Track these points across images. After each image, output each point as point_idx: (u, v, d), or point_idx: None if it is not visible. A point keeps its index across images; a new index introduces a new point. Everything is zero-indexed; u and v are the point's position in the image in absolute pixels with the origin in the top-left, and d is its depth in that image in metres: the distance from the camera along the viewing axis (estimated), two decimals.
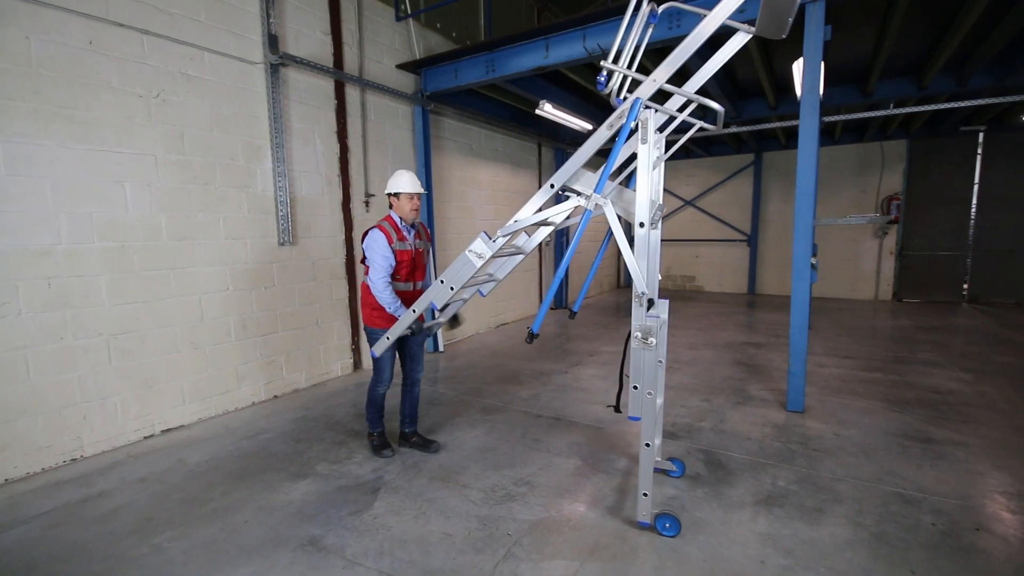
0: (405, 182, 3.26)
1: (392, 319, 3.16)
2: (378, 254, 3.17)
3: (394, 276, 3.28)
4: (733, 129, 8.22)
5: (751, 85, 7.14)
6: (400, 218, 3.31)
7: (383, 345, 3.08)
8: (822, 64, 3.96)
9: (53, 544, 2.56)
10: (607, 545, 2.50)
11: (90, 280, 3.51)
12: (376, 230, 3.22)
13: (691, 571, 2.30)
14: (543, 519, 2.73)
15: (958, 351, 6.11)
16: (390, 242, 3.20)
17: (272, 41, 4.42)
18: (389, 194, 3.32)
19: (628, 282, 13.17)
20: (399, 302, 3.15)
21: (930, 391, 4.67)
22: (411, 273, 3.37)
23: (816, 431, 3.83)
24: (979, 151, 9.24)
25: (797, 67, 4.88)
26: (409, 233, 3.33)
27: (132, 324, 3.73)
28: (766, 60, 6.11)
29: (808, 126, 3.94)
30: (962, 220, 9.54)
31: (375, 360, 3.36)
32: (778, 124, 7.70)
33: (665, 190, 11.52)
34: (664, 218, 12.24)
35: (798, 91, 4.40)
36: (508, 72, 5.31)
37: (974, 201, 9.41)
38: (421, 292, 3.37)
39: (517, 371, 5.56)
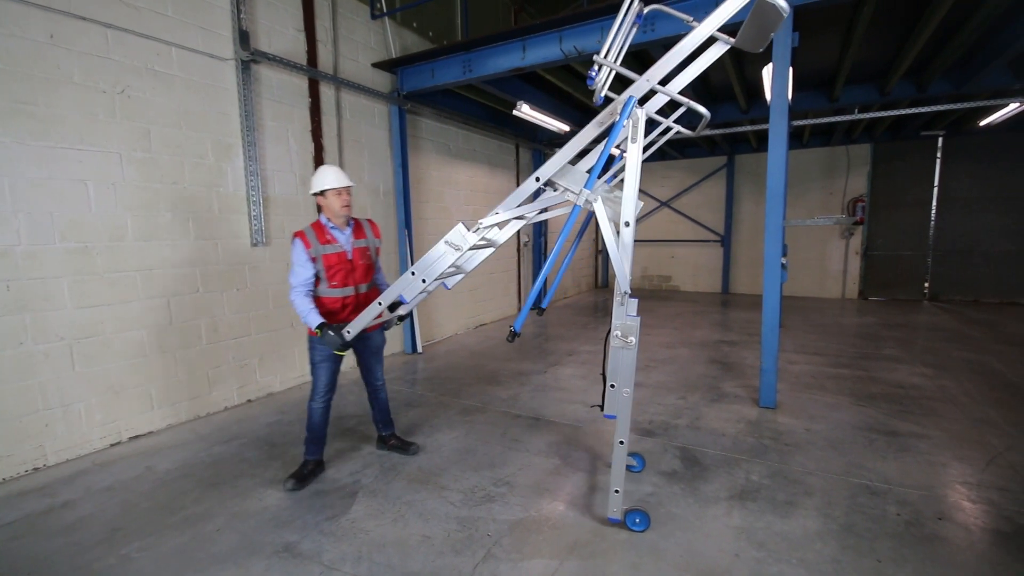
0: (331, 178, 2.99)
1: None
2: (295, 263, 2.98)
3: (329, 281, 3.04)
4: (707, 132, 8.39)
5: (723, 89, 7.30)
6: (328, 219, 3.06)
7: (332, 341, 2.89)
8: (790, 70, 4.06)
9: (15, 557, 2.46)
10: (586, 543, 2.52)
11: (51, 282, 3.38)
12: (295, 238, 2.99)
13: (668, 566, 2.34)
14: (523, 519, 2.74)
15: (920, 347, 6.35)
16: (307, 247, 2.96)
17: (243, 37, 4.32)
18: (314, 194, 3.03)
19: (606, 282, 13.30)
20: (310, 311, 2.93)
21: (894, 386, 4.85)
22: (348, 276, 3.08)
23: (787, 426, 3.93)
24: (938, 155, 9.63)
25: (767, 73, 5.00)
26: (342, 233, 3.08)
27: (96, 328, 3.61)
28: (737, 66, 6.26)
29: (778, 130, 4.04)
30: (922, 221, 9.91)
31: (312, 368, 3.16)
32: (749, 128, 7.88)
33: (641, 191, 11.65)
34: (641, 219, 12.38)
35: (768, 96, 4.51)
36: (485, 72, 5.31)
37: (934, 203, 9.80)
38: (366, 296, 3.15)
39: (496, 371, 5.56)
